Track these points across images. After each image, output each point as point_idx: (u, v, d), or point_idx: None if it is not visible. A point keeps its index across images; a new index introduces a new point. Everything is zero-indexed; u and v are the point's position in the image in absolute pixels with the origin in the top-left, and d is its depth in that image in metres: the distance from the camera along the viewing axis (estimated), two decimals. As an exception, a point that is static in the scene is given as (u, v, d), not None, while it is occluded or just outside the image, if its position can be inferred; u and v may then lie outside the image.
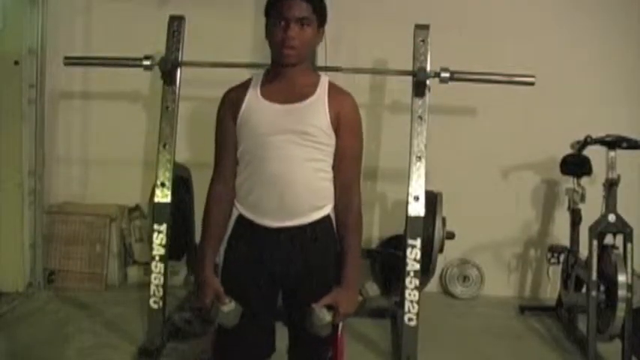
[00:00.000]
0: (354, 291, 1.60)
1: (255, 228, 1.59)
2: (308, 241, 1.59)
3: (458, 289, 3.61)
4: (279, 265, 1.59)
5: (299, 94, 1.57)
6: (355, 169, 1.64)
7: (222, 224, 1.62)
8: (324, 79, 1.62)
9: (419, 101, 2.60)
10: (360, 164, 1.67)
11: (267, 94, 1.58)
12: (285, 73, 1.57)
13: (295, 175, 1.54)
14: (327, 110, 1.56)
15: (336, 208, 1.61)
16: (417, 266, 2.49)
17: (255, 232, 1.59)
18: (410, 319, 2.49)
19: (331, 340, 1.67)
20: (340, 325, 1.67)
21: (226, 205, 1.63)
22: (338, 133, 1.58)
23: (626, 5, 3.49)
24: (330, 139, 1.57)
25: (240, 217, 1.61)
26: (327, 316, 1.51)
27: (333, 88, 1.61)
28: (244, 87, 1.62)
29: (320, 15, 1.57)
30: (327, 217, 1.61)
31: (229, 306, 1.52)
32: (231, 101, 1.61)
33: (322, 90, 1.58)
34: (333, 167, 1.61)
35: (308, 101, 1.56)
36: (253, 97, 1.58)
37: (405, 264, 2.51)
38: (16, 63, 3.23)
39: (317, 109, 1.56)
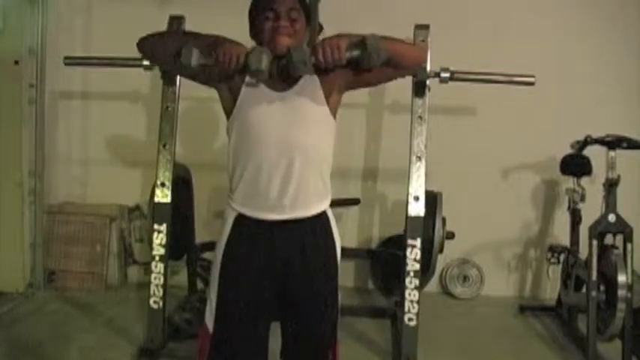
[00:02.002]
0: (344, 38, 1.46)
1: (254, 224, 1.57)
2: (306, 236, 1.58)
3: (458, 289, 3.62)
4: (278, 261, 1.57)
5: (292, 78, 1.54)
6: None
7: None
8: None
9: (419, 101, 2.60)
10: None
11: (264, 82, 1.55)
12: None
13: (297, 164, 1.53)
14: (319, 82, 1.55)
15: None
16: (417, 266, 2.49)
17: (254, 229, 1.57)
18: (410, 319, 2.49)
19: (329, 345, 1.65)
20: (337, 332, 1.65)
21: None
22: (352, 70, 1.54)
23: (626, 5, 3.49)
24: (327, 117, 1.57)
25: (239, 217, 1.59)
26: (307, 53, 1.41)
27: None
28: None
29: (306, 10, 1.58)
30: (323, 214, 1.61)
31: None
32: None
33: None
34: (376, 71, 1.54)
35: (300, 82, 1.54)
36: (251, 83, 1.55)
37: (405, 264, 2.50)
38: (16, 63, 3.23)
39: (309, 87, 1.54)
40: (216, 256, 1.62)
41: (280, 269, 1.58)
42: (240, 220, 1.59)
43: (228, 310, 1.60)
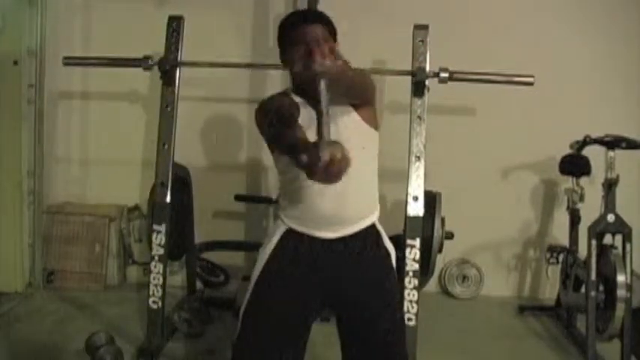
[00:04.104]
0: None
1: (304, 240, 1.57)
2: (357, 251, 1.58)
3: (457, 289, 3.62)
4: (326, 279, 1.56)
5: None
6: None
7: None
8: None
9: (418, 101, 2.60)
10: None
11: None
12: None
13: (347, 183, 1.54)
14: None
15: None
16: (416, 266, 2.49)
17: (303, 244, 1.57)
18: (409, 319, 2.48)
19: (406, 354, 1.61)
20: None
21: None
22: None
23: (626, 5, 3.49)
24: (364, 128, 1.58)
25: (288, 232, 1.60)
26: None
27: None
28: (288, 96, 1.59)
29: (332, 30, 1.60)
30: (372, 227, 1.62)
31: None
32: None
33: None
34: None
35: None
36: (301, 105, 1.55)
37: (404, 264, 2.50)
38: (15, 63, 3.23)
39: (344, 107, 1.56)
40: (256, 268, 1.61)
41: (329, 283, 1.57)
42: (290, 233, 1.60)
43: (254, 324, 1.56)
